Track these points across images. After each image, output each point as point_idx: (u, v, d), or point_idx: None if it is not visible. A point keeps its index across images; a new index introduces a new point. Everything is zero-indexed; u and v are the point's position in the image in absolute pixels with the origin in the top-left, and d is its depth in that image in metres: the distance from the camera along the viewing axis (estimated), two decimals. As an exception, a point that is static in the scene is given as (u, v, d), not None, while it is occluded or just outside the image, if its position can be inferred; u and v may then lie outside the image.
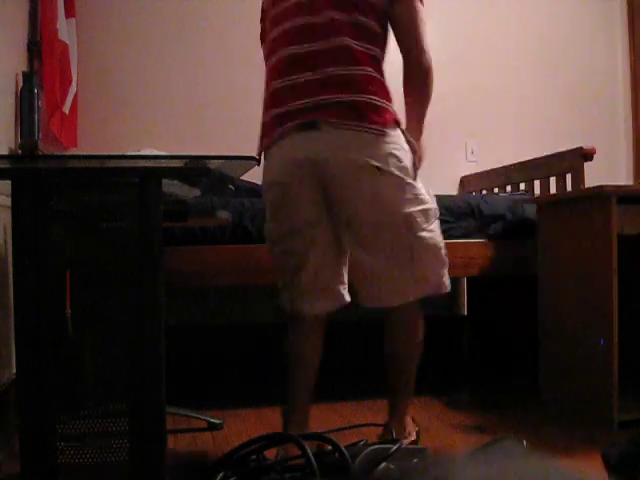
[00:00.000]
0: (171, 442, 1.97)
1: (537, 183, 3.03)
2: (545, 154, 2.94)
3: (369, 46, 1.71)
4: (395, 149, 1.68)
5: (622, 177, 3.87)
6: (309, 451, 1.35)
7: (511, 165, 3.21)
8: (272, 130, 1.69)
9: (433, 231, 1.73)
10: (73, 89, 2.85)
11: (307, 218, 1.69)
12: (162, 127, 3.28)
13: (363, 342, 3.24)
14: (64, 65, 2.67)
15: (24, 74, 2.30)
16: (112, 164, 1.35)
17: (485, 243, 2.58)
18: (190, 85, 3.35)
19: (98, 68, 3.21)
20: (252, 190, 2.75)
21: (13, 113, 2.28)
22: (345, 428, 2.00)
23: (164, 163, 1.35)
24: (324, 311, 1.78)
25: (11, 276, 1.28)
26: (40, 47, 2.48)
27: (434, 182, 3.54)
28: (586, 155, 2.66)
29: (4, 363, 2.04)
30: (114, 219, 1.28)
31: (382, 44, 1.79)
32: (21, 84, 2.35)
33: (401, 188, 1.67)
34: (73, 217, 1.28)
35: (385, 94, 1.71)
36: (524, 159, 3.13)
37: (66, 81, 2.72)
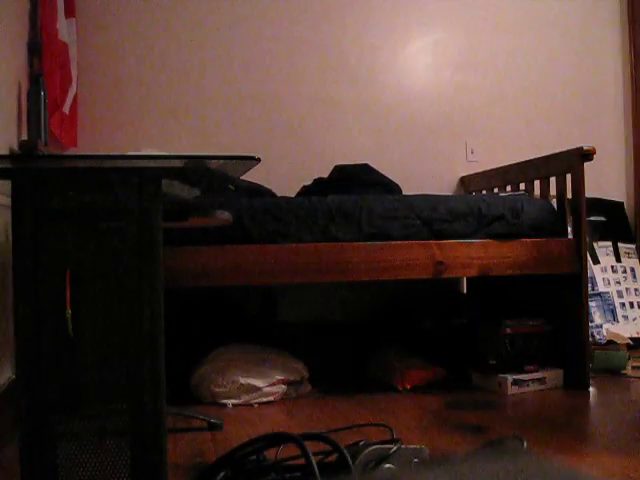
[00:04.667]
0: (171, 442, 1.97)
1: (537, 183, 3.03)
2: (545, 154, 2.94)
3: None
4: None
5: (622, 177, 3.87)
6: (309, 451, 1.35)
7: (511, 165, 3.21)
8: None
9: None
10: (73, 89, 2.86)
11: None
12: (162, 127, 3.28)
13: (363, 342, 3.24)
14: (64, 65, 2.67)
15: (33, 75, 2.31)
16: (112, 164, 1.35)
17: (485, 243, 2.58)
18: (190, 85, 3.35)
19: (98, 68, 3.21)
20: (252, 190, 2.75)
21: (15, 113, 2.28)
22: (345, 428, 2.01)
23: (164, 163, 1.35)
24: None
25: (11, 276, 1.28)
26: (40, 47, 2.48)
27: (434, 182, 3.58)
28: (586, 155, 2.66)
29: (4, 363, 2.04)
30: (114, 219, 1.28)
31: None
32: (23, 84, 2.35)
33: None
34: (73, 217, 1.28)
35: None
36: (524, 159, 3.13)
37: (66, 81, 2.72)
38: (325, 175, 3.09)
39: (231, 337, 2.79)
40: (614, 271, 3.63)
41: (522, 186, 3.19)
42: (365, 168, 3.06)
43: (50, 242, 1.25)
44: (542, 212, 2.70)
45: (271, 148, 3.37)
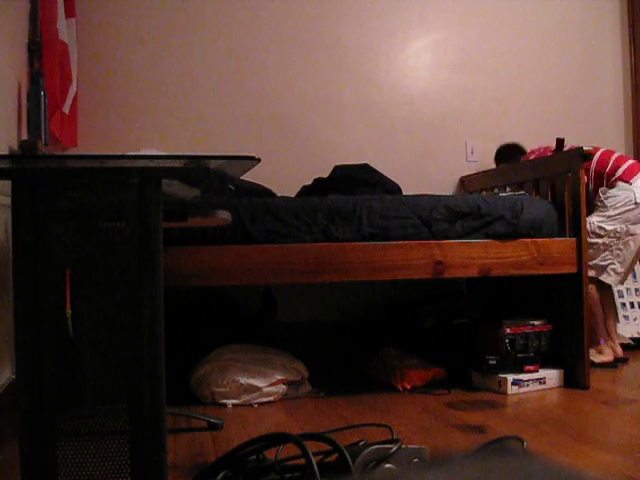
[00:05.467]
0: (171, 442, 1.97)
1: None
2: (545, 154, 2.94)
3: None
4: None
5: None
6: (309, 451, 1.35)
7: (511, 165, 3.21)
8: None
9: None
10: (73, 89, 2.86)
11: None
12: (162, 127, 3.28)
13: (363, 342, 3.24)
14: (64, 65, 2.67)
15: (33, 75, 2.31)
16: (112, 164, 1.35)
17: (485, 243, 2.58)
18: (190, 85, 3.35)
19: (98, 68, 3.21)
20: (252, 190, 2.75)
21: (15, 113, 2.28)
22: (345, 428, 2.00)
23: (164, 163, 1.35)
24: None
25: (11, 276, 1.28)
26: (40, 47, 2.48)
27: (434, 182, 3.58)
28: (586, 155, 2.66)
29: (4, 363, 2.04)
30: (114, 219, 1.28)
31: None
32: (23, 84, 2.35)
33: None
34: (73, 217, 1.28)
35: None
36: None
37: (66, 81, 2.72)
38: (325, 175, 3.09)
39: (231, 337, 2.79)
40: (614, 271, 3.62)
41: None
42: (365, 168, 3.06)
43: (50, 242, 1.25)
44: (542, 212, 2.69)
45: (271, 148, 3.37)
